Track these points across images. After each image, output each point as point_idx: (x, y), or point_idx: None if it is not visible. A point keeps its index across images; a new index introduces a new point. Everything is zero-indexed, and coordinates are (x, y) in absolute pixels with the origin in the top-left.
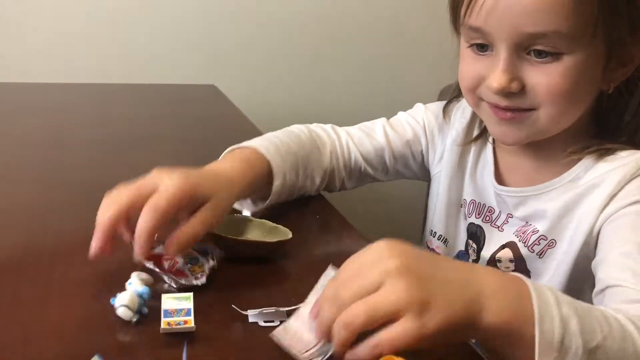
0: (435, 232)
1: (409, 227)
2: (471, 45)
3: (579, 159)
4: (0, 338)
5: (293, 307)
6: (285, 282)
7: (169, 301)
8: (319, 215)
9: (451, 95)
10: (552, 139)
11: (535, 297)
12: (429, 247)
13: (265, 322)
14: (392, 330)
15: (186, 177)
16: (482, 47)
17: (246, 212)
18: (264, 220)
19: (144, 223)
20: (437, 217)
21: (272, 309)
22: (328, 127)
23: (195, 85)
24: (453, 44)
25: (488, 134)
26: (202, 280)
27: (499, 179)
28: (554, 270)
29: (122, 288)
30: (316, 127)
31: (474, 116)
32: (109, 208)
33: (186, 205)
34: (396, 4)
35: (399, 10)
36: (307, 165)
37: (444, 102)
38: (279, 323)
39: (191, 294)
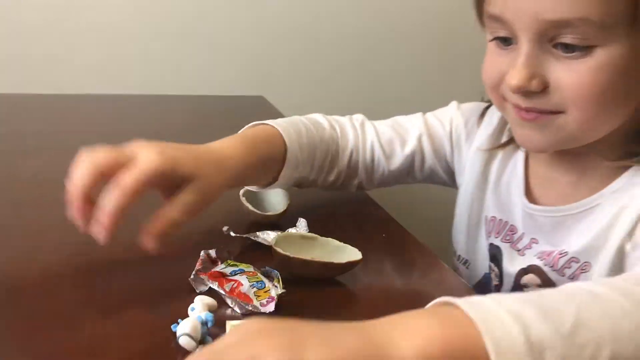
0: (456, 252)
1: None
2: (494, 39)
3: (627, 168)
4: None
5: None
6: (357, 308)
7: None
8: (385, 234)
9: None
10: (590, 147)
11: (470, 310)
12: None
13: None
14: None
15: (164, 152)
16: (506, 41)
17: (302, 228)
18: (328, 238)
19: (109, 203)
20: (458, 237)
21: None
22: (357, 122)
23: (244, 97)
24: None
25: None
26: (270, 307)
27: (529, 196)
28: None
29: (184, 311)
30: (345, 122)
31: (502, 120)
32: (84, 167)
33: (164, 185)
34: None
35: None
36: (324, 161)
37: (481, 104)
38: None
39: None
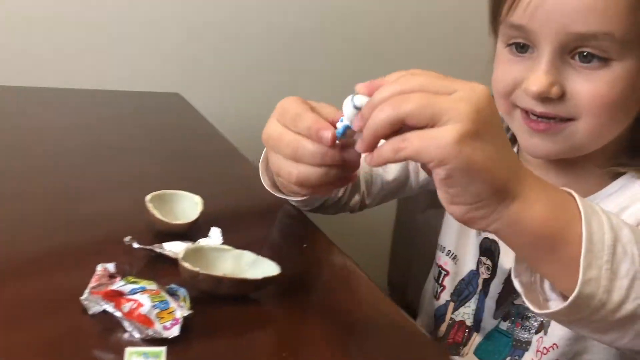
0: (444, 247)
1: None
2: (510, 45)
3: (617, 175)
4: None
5: None
6: (274, 328)
7: (134, 358)
8: (307, 244)
9: None
10: (586, 158)
11: (580, 200)
12: (437, 264)
13: None
14: (430, 131)
15: None
16: (522, 48)
17: (216, 239)
18: (244, 251)
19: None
20: (448, 232)
21: None
22: None
23: (159, 93)
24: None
25: (515, 145)
26: (173, 332)
27: None
28: None
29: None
30: None
31: None
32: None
33: None
34: (363, 22)
35: (378, 27)
36: None
37: None
38: None
39: (163, 349)
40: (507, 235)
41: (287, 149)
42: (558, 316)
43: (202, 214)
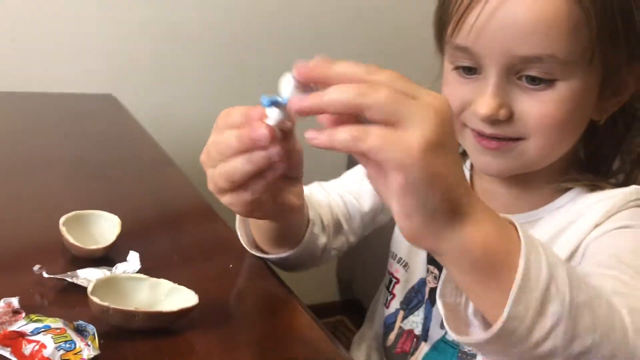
0: (396, 254)
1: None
2: (457, 68)
3: (566, 189)
4: None
5: None
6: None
7: None
8: (233, 264)
9: None
10: (535, 173)
11: (521, 231)
12: (388, 271)
13: None
14: (395, 132)
15: None
16: (469, 70)
17: (133, 264)
18: (160, 279)
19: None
20: (399, 239)
21: None
22: (313, 186)
23: (91, 95)
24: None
25: (465, 158)
26: None
27: None
28: None
29: None
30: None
31: None
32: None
33: None
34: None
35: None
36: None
37: None
38: None
39: None
40: (454, 257)
41: (213, 153)
42: (475, 345)
43: (121, 235)
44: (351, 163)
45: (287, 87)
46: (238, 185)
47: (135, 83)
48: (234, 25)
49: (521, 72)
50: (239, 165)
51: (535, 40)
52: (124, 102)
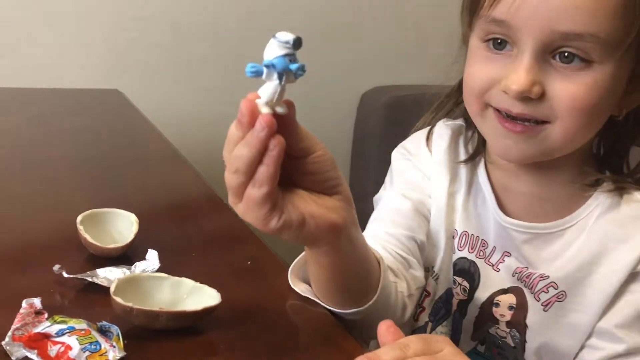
0: (430, 267)
1: None
2: (487, 41)
3: (591, 195)
4: None
5: None
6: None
7: None
8: (250, 262)
9: (424, 124)
10: (555, 162)
11: None
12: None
13: None
14: None
15: None
16: (500, 44)
17: (153, 262)
18: (182, 278)
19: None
20: (432, 251)
21: None
22: None
23: (97, 90)
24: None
25: (480, 156)
26: None
27: (502, 208)
28: (558, 334)
29: None
30: None
31: (454, 136)
32: None
33: None
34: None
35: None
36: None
37: (416, 134)
38: None
39: None
40: None
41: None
42: None
43: (139, 233)
44: (354, 157)
45: (273, 47)
46: (242, 177)
47: (139, 78)
48: (240, 19)
49: (557, 50)
50: (237, 152)
51: (579, 17)
52: (129, 97)
